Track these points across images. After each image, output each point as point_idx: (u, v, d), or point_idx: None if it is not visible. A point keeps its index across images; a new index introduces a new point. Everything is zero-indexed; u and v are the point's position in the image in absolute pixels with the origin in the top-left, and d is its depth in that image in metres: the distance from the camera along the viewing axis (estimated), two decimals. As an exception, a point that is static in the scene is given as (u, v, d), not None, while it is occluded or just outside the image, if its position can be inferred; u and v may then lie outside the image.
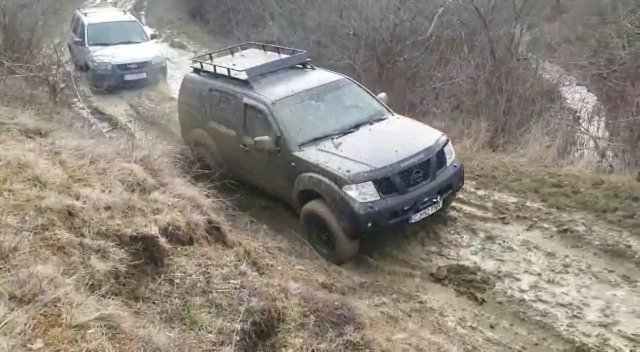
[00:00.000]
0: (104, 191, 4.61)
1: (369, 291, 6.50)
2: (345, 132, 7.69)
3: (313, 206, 7.28)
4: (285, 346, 3.74)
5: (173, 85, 15.22)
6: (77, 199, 4.30)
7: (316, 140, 7.55)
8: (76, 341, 2.80)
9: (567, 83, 14.35)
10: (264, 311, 3.87)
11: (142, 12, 24.41)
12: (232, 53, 9.80)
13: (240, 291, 4.06)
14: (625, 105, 10.36)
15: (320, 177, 7.08)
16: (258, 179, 8.43)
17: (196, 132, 9.42)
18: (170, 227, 4.59)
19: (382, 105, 8.42)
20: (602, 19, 14.90)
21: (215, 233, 5.26)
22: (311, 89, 8.18)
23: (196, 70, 9.56)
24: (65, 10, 19.54)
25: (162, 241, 4.29)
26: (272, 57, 9.23)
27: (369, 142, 7.53)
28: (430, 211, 7.27)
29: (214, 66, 8.96)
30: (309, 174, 7.22)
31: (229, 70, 8.60)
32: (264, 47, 9.88)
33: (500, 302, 6.08)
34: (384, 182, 6.95)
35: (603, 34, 13.91)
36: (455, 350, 4.54)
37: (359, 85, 8.79)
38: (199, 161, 9.02)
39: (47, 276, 3.17)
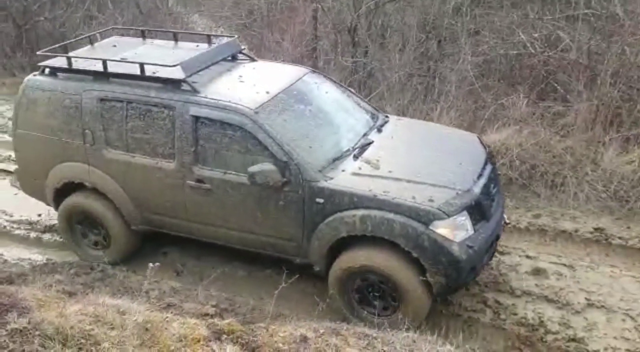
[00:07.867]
0: None
1: (41, 273, 6.12)
2: (361, 145, 5.66)
3: (360, 259, 5.14)
4: None
5: None
6: None
7: (335, 161, 5.43)
8: None
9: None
10: None
11: None
12: (91, 44, 6.69)
13: None
14: (267, 51, 11.31)
15: (384, 214, 4.93)
16: (227, 232, 5.80)
17: (65, 170, 6.26)
18: None
19: (364, 100, 6.64)
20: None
21: None
22: (289, 89, 5.85)
23: (51, 71, 6.20)
24: None
25: None
26: (169, 44, 6.71)
27: (413, 156, 5.62)
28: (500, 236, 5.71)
29: (104, 61, 5.80)
30: (358, 213, 5.02)
31: (142, 65, 5.64)
32: (143, 33, 6.98)
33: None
34: (475, 209, 5.08)
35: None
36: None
37: (329, 78, 6.67)
38: (81, 217, 6.40)
39: None
